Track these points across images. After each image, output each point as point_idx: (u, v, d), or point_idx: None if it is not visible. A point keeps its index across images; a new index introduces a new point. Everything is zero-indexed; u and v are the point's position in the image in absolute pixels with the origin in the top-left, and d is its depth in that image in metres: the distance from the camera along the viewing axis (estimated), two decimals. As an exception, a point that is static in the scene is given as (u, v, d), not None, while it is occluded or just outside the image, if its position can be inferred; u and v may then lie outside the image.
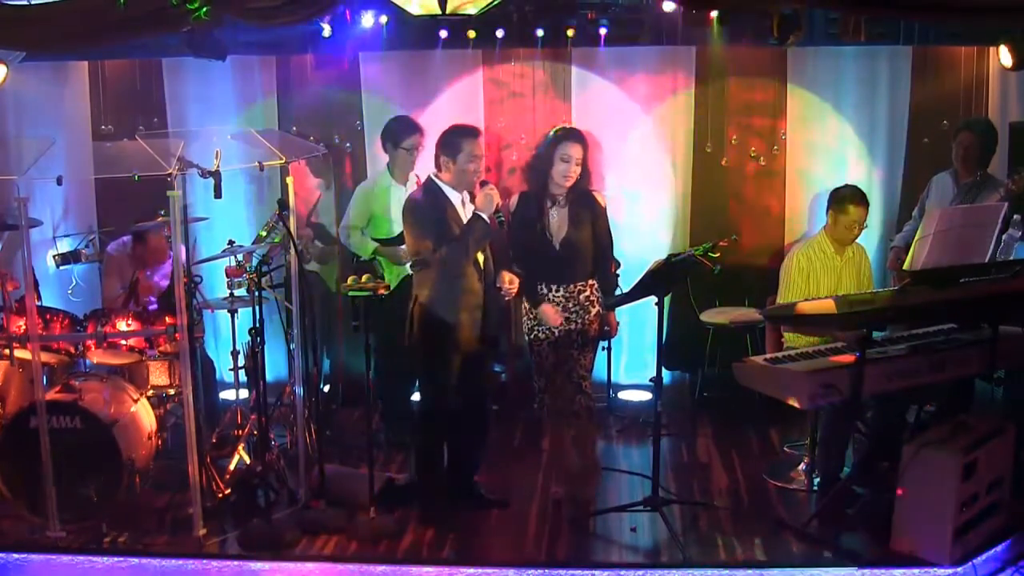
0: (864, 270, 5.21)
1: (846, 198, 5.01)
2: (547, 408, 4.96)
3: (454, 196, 4.60)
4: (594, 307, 4.87)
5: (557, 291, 4.83)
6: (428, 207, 4.56)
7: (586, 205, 4.85)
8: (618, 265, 5.45)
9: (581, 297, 4.85)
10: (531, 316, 4.87)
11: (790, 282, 5.09)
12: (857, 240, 5.15)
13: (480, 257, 4.64)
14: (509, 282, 4.70)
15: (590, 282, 4.88)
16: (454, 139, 4.56)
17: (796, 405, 4.39)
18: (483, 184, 4.60)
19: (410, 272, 4.81)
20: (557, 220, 4.82)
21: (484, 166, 4.69)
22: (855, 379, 4.33)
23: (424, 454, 4.82)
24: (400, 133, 5.68)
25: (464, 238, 4.50)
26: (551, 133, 4.86)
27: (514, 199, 4.95)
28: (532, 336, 4.88)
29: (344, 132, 6.53)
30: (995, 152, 5.57)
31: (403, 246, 5.49)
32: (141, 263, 5.75)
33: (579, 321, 4.84)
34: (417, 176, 5.09)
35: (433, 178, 4.63)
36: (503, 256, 4.76)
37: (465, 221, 4.56)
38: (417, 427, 4.86)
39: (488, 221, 4.51)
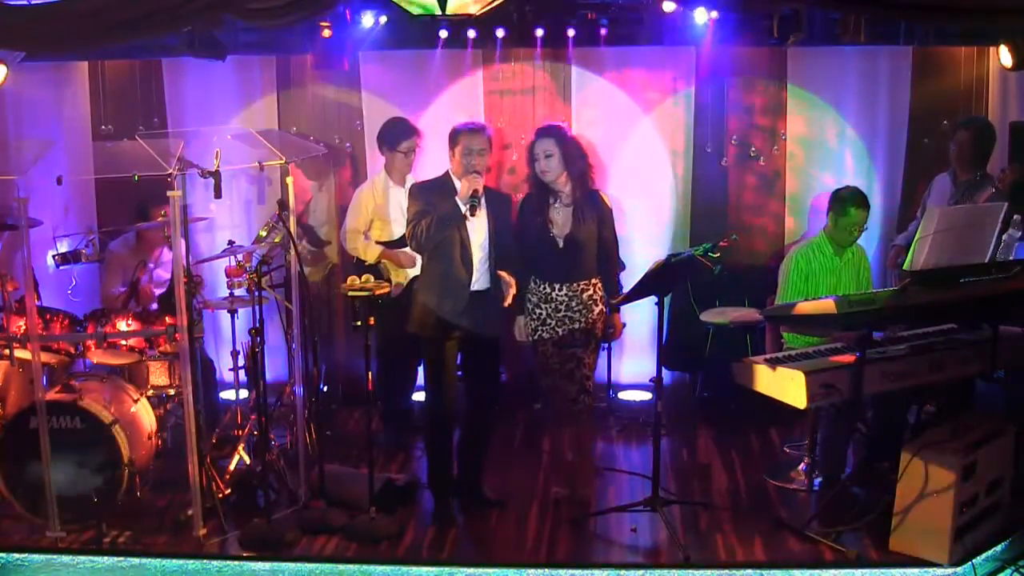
0: (863, 271, 5.20)
1: (846, 200, 4.98)
2: (550, 408, 4.95)
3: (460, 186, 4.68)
4: (597, 307, 4.87)
5: (560, 290, 4.83)
6: (424, 190, 4.71)
7: (592, 204, 4.85)
8: (622, 267, 5.44)
9: (584, 296, 4.84)
10: (534, 316, 4.87)
11: (789, 283, 5.07)
12: (857, 241, 5.14)
13: (477, 249, 4.66)
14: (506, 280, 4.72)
15: (593, 281, 4.88)
16: (454, 133, 4.72)
17: (796, 405, 4.39)
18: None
19: (416, 274, 4.82)
20: (562, 217, 4.83)
21: (485, 161, 4.69)
22: (855, 379, 4.33)
23: (434, 450, 4.84)
24: (396, 136, 5.67)
25: (430, 220, 4.53)
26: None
27: (518, 200, 4.96)
28: (536, 336, 4.88)
29: (344, 132, 6.53)
30: (993, 151, 5.57)
31: (405, 248, 5.50)
32: (143, 257, 5.76)
33: (582, 321, 4.84)
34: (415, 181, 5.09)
35: (449, 169, 4.76)
36: (504, 255, 4.76)
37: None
38: (425, 421, 4.87)
39: (459, 206, 4.55)
